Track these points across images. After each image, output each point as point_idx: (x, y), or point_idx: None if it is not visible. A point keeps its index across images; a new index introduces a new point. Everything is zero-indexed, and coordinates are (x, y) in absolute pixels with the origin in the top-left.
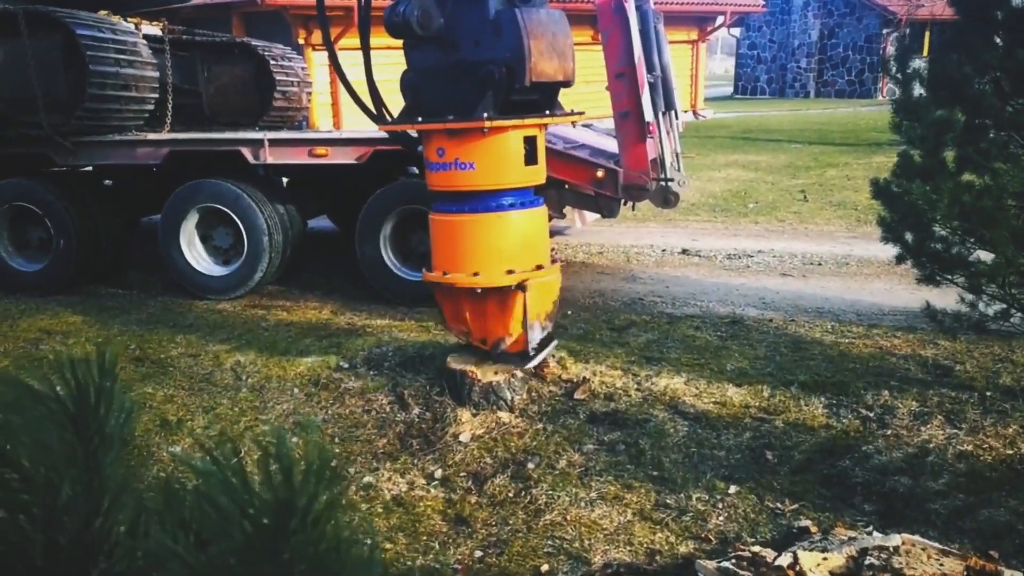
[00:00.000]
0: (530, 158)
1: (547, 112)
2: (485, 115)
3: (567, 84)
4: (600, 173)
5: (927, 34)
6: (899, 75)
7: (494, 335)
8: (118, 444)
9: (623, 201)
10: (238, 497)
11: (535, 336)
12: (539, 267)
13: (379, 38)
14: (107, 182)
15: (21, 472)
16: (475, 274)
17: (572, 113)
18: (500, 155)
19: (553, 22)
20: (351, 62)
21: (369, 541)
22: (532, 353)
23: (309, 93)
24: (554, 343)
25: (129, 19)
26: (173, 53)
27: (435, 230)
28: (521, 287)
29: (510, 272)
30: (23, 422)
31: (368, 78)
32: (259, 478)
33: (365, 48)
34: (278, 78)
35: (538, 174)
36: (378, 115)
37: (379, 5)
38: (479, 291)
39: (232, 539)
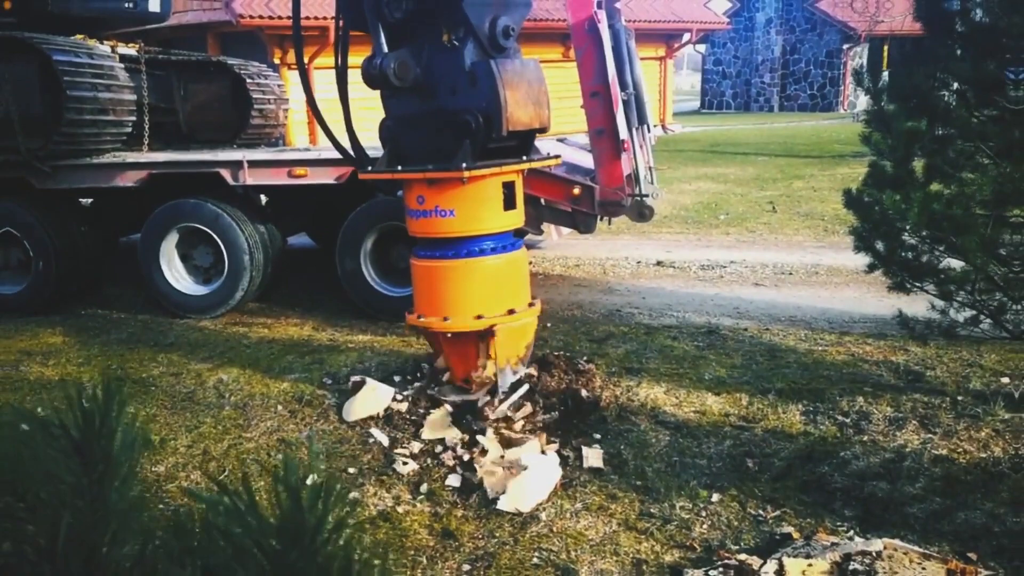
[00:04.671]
0: (509, 203)
1: (524, 157)
2: (464, 164)
3: (543, 131)
4: (576, 190)
5: (885, 48)
6: (871, 87)
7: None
8: (124, 471)
9: (599, 216)
10: (248, 526)
11: (506, 380)
12: (511, 312)
13: (356, 57)
14: (86, 201)
15: (27, 501)
16: (478, 316)
17: (548, 157)
18: (479, 202)
19: (528, 71)
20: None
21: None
22: (502, 396)
23: (286, 110)
24: (524, 388)
25: (105, 42)
26: (149, 72)
27: (418, 276)
28: (491, 332)
29: (513, 311)
30: (29, 451)
31: (348, 127)
32: (267, 502)
33: (344, 99)
34: (255, 96)
35: (517, 218)
36: (358, 161)
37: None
38: (449, 335)
39: (245, 570)
